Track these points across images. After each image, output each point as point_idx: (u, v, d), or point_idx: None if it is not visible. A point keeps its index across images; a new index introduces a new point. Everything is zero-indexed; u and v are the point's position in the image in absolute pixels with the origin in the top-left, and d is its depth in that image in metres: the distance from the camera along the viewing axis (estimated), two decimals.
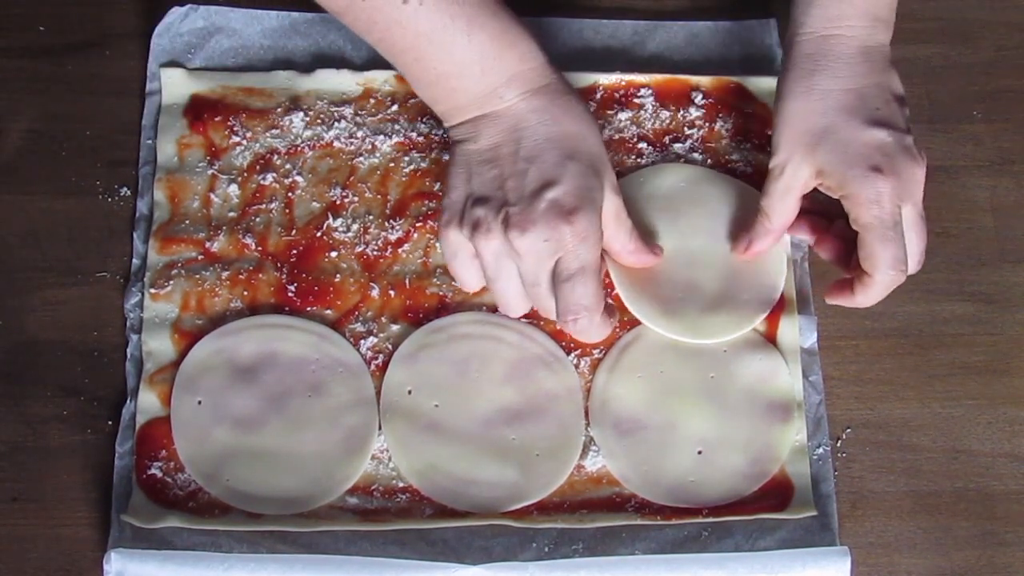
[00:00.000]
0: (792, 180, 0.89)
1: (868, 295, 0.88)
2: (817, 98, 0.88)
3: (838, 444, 0.92)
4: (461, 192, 0.87)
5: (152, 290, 0.94)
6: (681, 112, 1.01)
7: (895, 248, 0.86)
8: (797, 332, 0.94)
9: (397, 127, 1.00)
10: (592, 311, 0.86)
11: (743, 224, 0.95)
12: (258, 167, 0.98)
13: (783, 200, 0.90)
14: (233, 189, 0.97)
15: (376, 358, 0.93)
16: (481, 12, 0.85)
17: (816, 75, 0.89)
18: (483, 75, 0.86)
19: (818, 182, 0.89)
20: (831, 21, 0.89)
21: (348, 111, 1.00)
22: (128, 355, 0.92)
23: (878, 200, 0.85)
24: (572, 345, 0.94)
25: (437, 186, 0.98)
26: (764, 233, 0.92)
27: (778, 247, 0.96)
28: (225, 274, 0.95)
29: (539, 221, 0.84)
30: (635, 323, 0.94)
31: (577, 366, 0.93)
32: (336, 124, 1.00)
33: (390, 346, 0.93)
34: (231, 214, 0.97)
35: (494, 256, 0.86)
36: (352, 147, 0.99)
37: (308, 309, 0.94)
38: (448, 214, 0.87)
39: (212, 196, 0.97)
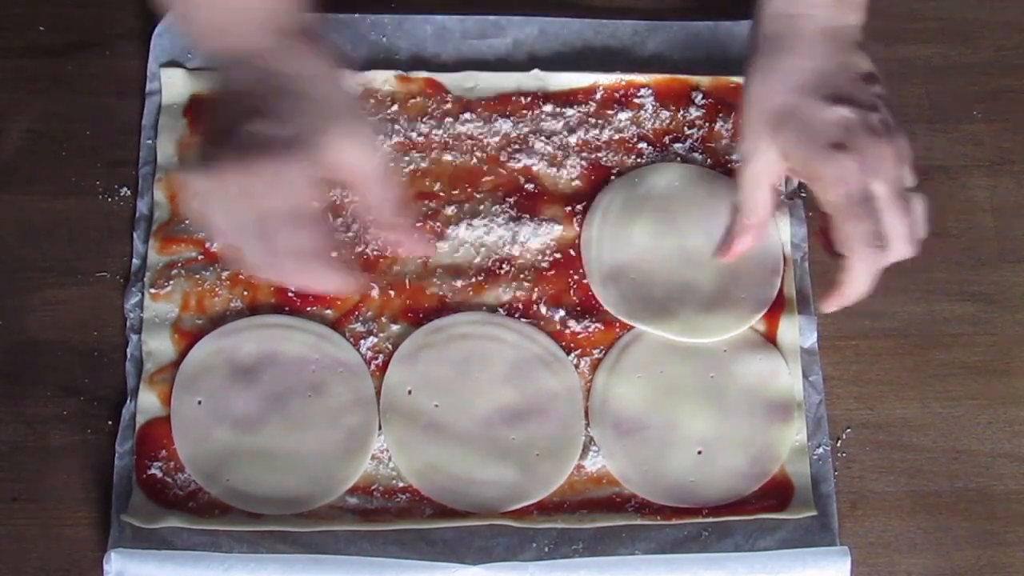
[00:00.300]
0: (761, 166, 0.87)
1: (853, 281, 0.85)
2: (778, 79, 0.86)
3: (838, 444, 0.92)
4: (204, 137, 0.83)
5: (152, 290, 0.94)
6: (681, 112, 1.01)
7: (866, 223, 0.83)
8: (797, 332, 0.94)
9: (397, 127, 1.00)
10: (303, 258, 0.80)
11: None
12: None
13: (755, 190, 0.88)
14: None
15: (376, 358, 0.93)
16: None
17: (778, 56, 0.86)
18: (242, 14, 0.82)
19: (786, 165, 0.86)
20: (794, 2, 0.87)
21: None
22: (128, 355, 0.92)
23: (843, 178, 0.83)
24: (572, 345, 0.94)
25: (437, 186, 0.98)
26: (743, 230, 0.91)
27: (774, 246, 0.96)
28: (225, 274, 0.95)
29: (235, 154, 0.78)
30: None
31: (577, 366, 0.93)
32: None
33: (390, 346, 0.93)
34: None
35: (204, 199, 0.80)
36: None
37: (308, 309, 0.94)
38: (193, 159, 0.82)
39: None
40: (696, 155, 1.00)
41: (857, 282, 0.85)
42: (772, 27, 0.87)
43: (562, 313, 0.95)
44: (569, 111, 1.01)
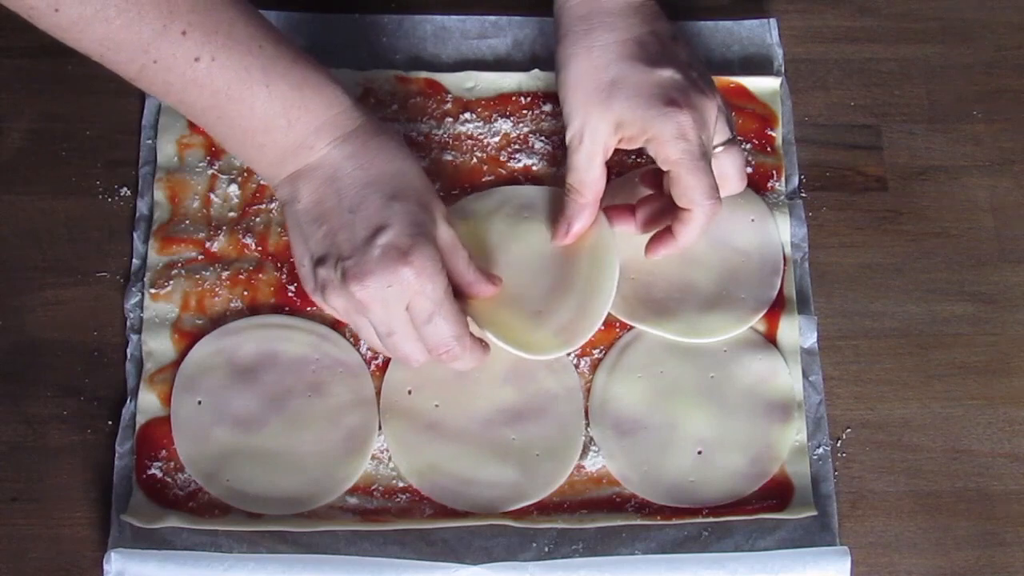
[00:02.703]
0: (593, 145, 0.89)
1: (689, 232, 0.89)
2: (598, 54, 0.88)
3: (838, 444, 0.92)
4: (304, 256, 0.85)
5: (152, 290, 0.94)
6: None
7: (707, 177, 0.87)
8: (797, 332, 0.94)
9: (397, 127, 1.00)
10: (459, 340, 0.85)
11: (736, 225, 0.96)
12: None
13: (590, 168, 0.89)
14: (233, 189, 0.97)
15: (376, 358, 0.93)
16: (278, 62, 0.81)
17: (591, 34, 0.88)
18: (289, 127, 0.83)
19: (618, 137, 0.88)
20: None
21: None
22: (128, 355, 0.92)
23: (683, 134, 0.86)
24: None
25: (437, 186, 0.98)
26: (580, 209, 0.92)
27: (774, 246, 0.96)
28: (225, 274, 0.95)
29: (376, 270, 0.81)
30: None
31: (577, 366, 0.93)
32: None
33: None
34: (231, 214, 0.97)
35: (346, 313, 0.85)
36: None
37: (308, 309, 0.94)
38: (307, 283, 0.86)
39: (212, 196, 0.97)
40: None
41: (694, 234, 0.89)
42: (579, 9, 0.89)
43: None
44: None
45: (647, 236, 0.96)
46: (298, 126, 0.83)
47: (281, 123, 0.83)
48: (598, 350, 0.94)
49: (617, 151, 1.00)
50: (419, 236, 0.83)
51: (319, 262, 0.84)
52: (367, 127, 0.85)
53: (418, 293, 0.83)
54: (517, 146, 1.00)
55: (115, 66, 0.80)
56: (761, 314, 0.94)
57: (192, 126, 0.99)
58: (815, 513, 0.89)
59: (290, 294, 0.94)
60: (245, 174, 0.98)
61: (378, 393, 0.92)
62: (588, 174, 0.90)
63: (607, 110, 0.87)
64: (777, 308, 0.95)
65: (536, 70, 1.02)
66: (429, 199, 0.86)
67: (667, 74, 0.87)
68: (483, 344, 0.88)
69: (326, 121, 0.84)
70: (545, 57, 1.04)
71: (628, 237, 0.96)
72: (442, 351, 0.85)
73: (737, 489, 0.90)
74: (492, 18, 1.05)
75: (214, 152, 0.99)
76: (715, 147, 0.89)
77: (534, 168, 0.99)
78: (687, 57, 0.89)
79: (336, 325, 0.93)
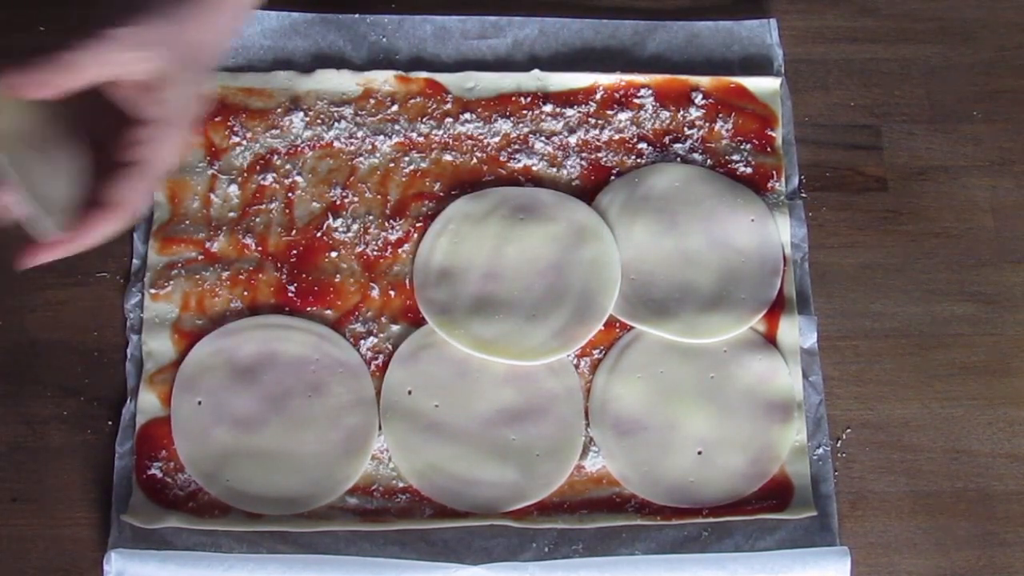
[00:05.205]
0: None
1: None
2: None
3: (838, 444, 0.92)
4: None
5: (152, 290, 0.94)
6: (681, 112, 1.01)
7: None
8: (797, 332, 0.94)
9: (397, 127, 1.00)
10: None
11: (736, 226, 0.96)
12: (258, 167, 0.98)
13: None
14: (233, 189, 0.97)
15: (376, 358, 0.93)
16: None
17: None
18: None
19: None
20: None
21: (348, 111, 1.00)
22: (128, 355, 0.92)
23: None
24: None
25: (437, 186, 0.98)
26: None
27: (774, 246, 0.96)
28: (225, 274, 0.95)
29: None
30: None
31: (577, 366, 0.93)
32: (336, 124, 1.00)
33: (390, 346, 0.93)
34: (231, 214, 0.97)
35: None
36: (352, 147, 0.99)
37: (308, 309, 0.94)
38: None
39: (212, 196, 0.97)
40: (696, 155, 1.00)
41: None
42: None
43: None
44: (569, 111, 1.01)
45: (647, 236, 0.96)
46: None
47: None
48: (598, 350, 0.94)
49: (620, 152, 1.00)
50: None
51: None
52: None
53: None
54: (517, 146, 1.00)
55: None
56: (761, 314, 0.94)
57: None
58: (815, 513, 0.89)
59: (290, 294, 0.94)
60: (245, 174, 0.98)
61: (378, 393, 0.92)
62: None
63: None
64: (777, 308, 0.95)
65: (536, 70, 1.02)
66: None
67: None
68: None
69: None
70: (545, 57, 1.04)
71: (628, 238, 0.96)
72: None
73: (737, 489, 0.90)
74: (492, 18, 1.05)
75: (214, 152, 0.99)
76: None
77: (534, 168, 0.99)
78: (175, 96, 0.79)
79: (336, 325, 0.94)
